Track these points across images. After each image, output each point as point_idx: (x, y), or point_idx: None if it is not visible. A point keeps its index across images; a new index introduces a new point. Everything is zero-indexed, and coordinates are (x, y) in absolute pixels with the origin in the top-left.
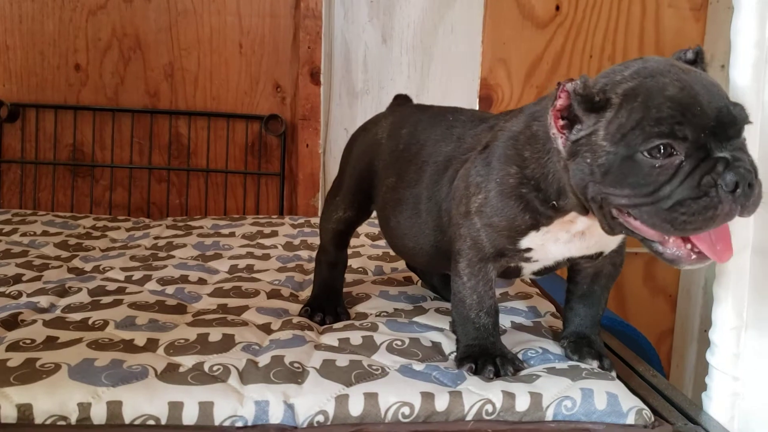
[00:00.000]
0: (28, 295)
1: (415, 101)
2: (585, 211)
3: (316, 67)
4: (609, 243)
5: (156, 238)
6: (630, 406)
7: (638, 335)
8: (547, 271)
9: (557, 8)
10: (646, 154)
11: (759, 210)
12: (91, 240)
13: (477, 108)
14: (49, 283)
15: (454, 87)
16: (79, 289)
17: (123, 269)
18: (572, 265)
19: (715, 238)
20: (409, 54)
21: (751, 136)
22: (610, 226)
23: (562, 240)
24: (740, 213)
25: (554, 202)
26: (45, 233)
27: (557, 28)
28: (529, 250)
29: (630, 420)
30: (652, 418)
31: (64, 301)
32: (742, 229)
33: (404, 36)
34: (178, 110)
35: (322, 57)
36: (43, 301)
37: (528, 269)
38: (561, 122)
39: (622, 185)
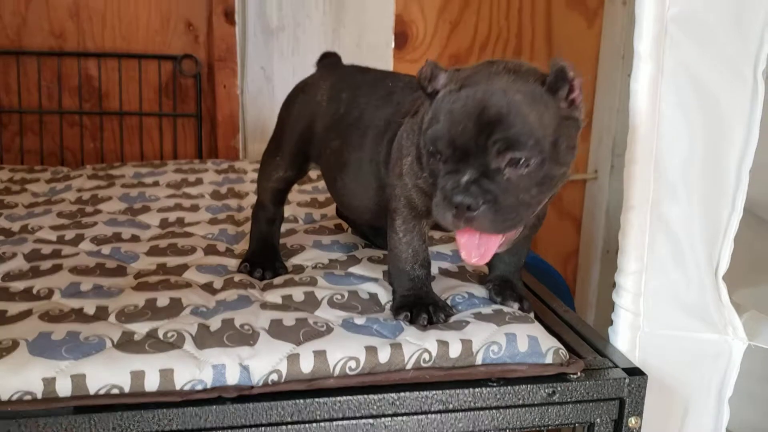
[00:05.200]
0: None
1: (332, 38)
2: None
3: (231, 7)
4: None
5: (79, 190)
6: (548, 347)
7: (550, 269)
8: None
9: None
10: (424, 149)
11: (655, 165)
12: (12, 195)
13: (393, 45)
14: None
15: (369, 23)
16: (14, 254)
17: (53, 228)
18: None
19: (479, 243)
20: None
21: (645, 98)
22: None
23: None
24: (471, 227)
25: None
26: None
27: None
28: None
29: (548, 359)
30: (567, 356)
31: (1, 269)
32: (642, 185)
33: None
34: (86, 52)
35: None
36: None
37: None
38: None
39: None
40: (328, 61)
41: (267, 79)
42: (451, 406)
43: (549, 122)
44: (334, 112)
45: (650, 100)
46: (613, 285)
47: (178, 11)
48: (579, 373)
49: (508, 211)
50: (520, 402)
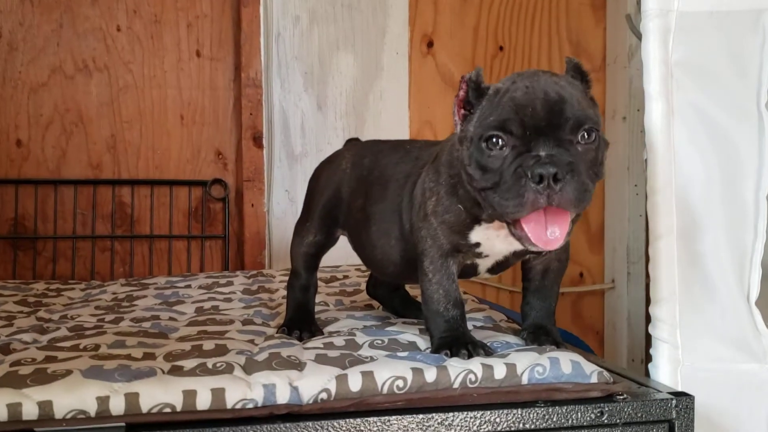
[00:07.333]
0: (7, 336)
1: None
2: None
3: (259, 132)
4: None
5: (114, 293)
6: (591, 370)
7: (578, 340)
8: (500, 269)
9: None
10: (483, 143)
11: (677, 198)
12: (49, 298)
13: None
14: (22, 327)
15: None
16: (58, 327)
17: (92, 315)
18: (523, 263)
19: (550, 225)
20: (343, 119)
21: (659, 135)
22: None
23: (503, 235)
24: (552, 203)
25: None
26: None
27: None
28: (478, 245)
29: (593, 380)
30: (611, 379)
31: (46, 337)
32: (665, 216)
33: (338, 103)
34: (120, 179)
35: (263, 122)
36: (26, 337)
37: (482, 266)
38: (462, 112)
39: (476, 169)
40: (350, 143)
41: (291, 201)
42: (500, 428)
43: (589, 105)
44: (358, 176)
45: (664, 136)
46: (648, 320)
47: (208, 142)
48: (625, 395)
49: (584, 184)
50: (569, 424)
